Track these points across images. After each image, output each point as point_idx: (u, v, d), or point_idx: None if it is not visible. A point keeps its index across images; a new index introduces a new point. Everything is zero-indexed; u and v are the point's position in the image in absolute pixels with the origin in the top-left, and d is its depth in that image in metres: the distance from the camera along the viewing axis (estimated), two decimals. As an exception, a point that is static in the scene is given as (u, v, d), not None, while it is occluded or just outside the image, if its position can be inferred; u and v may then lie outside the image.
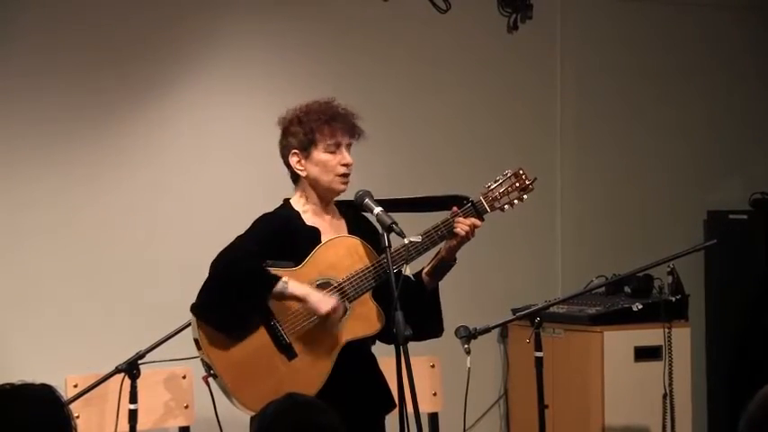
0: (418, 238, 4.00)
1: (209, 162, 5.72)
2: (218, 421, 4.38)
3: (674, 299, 5.89)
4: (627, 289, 6.08)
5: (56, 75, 5.45)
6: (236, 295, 3.90)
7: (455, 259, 4.11)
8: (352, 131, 4.08)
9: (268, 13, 5.84)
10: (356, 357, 4.02)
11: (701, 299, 6.65)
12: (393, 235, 3.86)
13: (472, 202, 4.08)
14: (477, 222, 4.05)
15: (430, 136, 6.20)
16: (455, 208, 4.07)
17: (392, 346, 3.82)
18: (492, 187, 4.12)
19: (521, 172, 4.15)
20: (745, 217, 6.57)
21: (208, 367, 3.96)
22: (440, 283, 4.18)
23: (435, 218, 4.08)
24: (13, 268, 5.39)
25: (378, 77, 6.06)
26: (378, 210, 3.94)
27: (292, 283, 3.90)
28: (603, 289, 6.00)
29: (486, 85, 6.33)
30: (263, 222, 4.06)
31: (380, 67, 6.08)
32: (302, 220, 4.06)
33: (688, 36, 6.78)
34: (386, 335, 4.01)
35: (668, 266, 5.76)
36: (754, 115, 6.93)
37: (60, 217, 5.46)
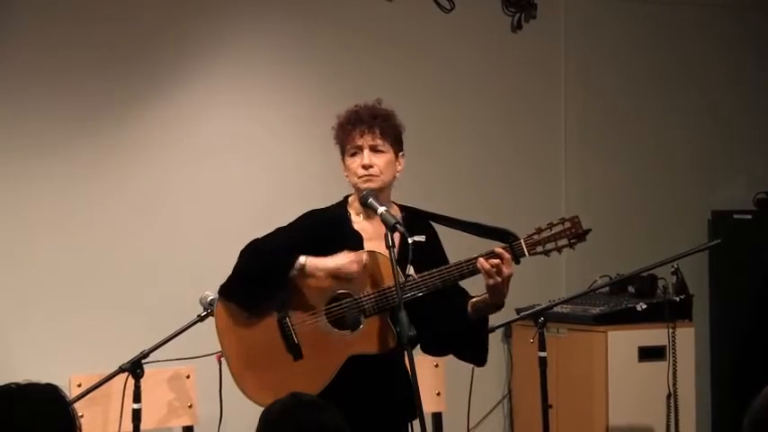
0: (422, 239, 4.00)
1: (213, 162, 5.71)
2: (221, 407, 4.38)
3: (678, 299, 5.88)
4: (631, 289, 6.08)
5: (58, 74, 5.45)
6: (258, 273, 3.94)
7: (502, 304, 4.03)
8: (373, 132, 4.07)
9: (272, 14, 5.84)
10: (374, 365, 3.99)
11: (705, 299, 6.64)
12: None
13: (511, 243, 3.97)
14: (495, 261, 3.91)
15: (432, 136, 6.18)
16: (499, 249, 3.98)
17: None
18: (540, 230, 4.02)
19: (576, 220, 4.06)
20: (749, 217, 6.56)
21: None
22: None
23: (482, 243, 4.05)
24: (17, 268, 5.39)
25: (381, 77, 6.05)
26: (381, 209, 3.94)
27: (310, 261, 3.92)
28: (607, 289, 6.00)
29: (489, 84, 6.32)
30: (305, 217, 4.09)
31: (384, 66, 6.07)
32: (350, 222, 4.06)
33: (692, 36, 6.77)
34: (446, 348, 4.10)
35: (672, 266, 5.76)
36: (759, 115, 6.93)
37: (64, 216, 5.46)
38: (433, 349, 4.11)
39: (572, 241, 4.04)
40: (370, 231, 4.04)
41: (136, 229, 5.56)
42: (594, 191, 6.55)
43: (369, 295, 3.96)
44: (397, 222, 3.88)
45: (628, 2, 6.62)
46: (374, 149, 4.06)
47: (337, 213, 4.08)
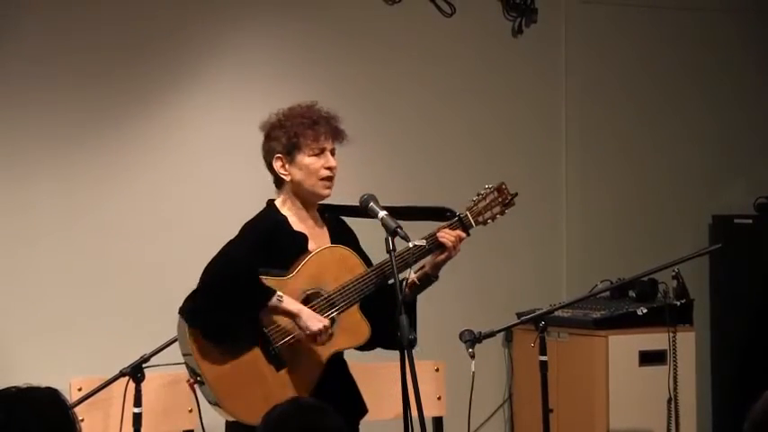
0: (423, 242, 4.00)
1: (214, 166, 5.72)
2: (203, 428, 4.38)
3: (678, 303, 5.88)
4: (631, 293, 6.08)
5: (59, 79, 5.45)
6: (230, 307, 3.89)
7: (437, 276, 4.11)
8: (336, 135, 4.07)
9: (273, 17, 5.84)
10: (331, 364, 4.01)
11: (705, 303, 6.64)
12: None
13: (459, 216, 4.08)
14: (463, 234, 4.04)
15: (434, 139, 6.20)
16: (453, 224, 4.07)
17: (396, 351, 3.82)
18: (476, 201, 4.13)
19: (503, 187, 4.18)
20: (750, 221, 6.56)
21: (194, 373, 3.95)
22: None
23: (420, 227, 4.07)
24: (18, 271, 5.39)
25: (382, 81, 6.06)
26: (382, 213, 3.95)
27: (287, 299, 3.90)
28: (608, 293, 6.00)
29: (490, 88, 6.33)
30: (252, 229, 4.04)
31: (385, 70, 6.08)
32: (289, 224, 4.05)
33: (692, 41, 6.77)
34: (384, 340, 4.01)
35: (673, 271, 5.75)
36: (760, 119, 6.93)
37: (65, 220, 5.46)
38: (378, 343, 4.06)
39: (503, 208, 4.16)
40: (309, 231, 4.06)
41: (137, 233, 5.56)
42: (595, 195, 6.55)
43: (338, 290, 3.96)
44: (398, 227, 3.88)
45: (628, 7, 6.62)
46: (332, 153, 4.06)
47: (274, 218, 4.06)
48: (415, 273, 4.11)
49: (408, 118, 6.15)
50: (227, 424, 4.06)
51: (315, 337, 3.92)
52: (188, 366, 3.98)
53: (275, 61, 5.86)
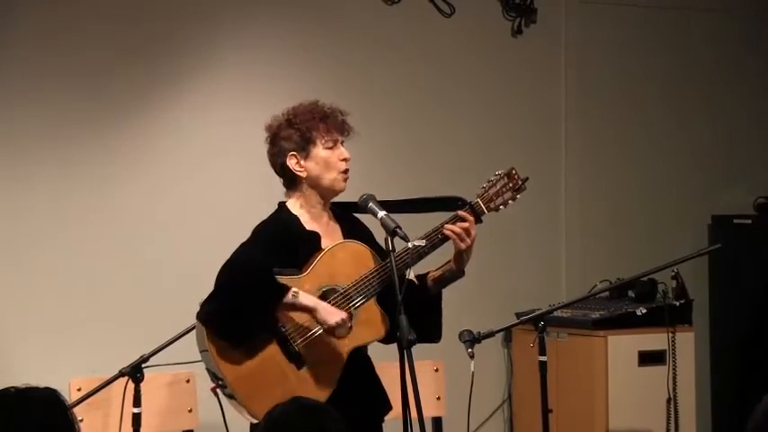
0: (422, 243, 4.00)
1: (214, 166, 5.72)
2: (227, 428, 4.38)
3: (678, 303, 5.88)
4: (631, 293, 6.08)
5: (59, 79, 5.45)
6: (247, 306, 3.87)
7: (463, 272, 4.10)
8: (344, 128, 4.08)
9: (273, 17, 5.85)
10: (355, 361, 4.02)
11: (705, 303, 6.64)
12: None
13: (471, 204, 4.07)
14: (465, 225, 4.01)
15: (433, 140, 6.20)
16: (462, 212, 4.06)
17: (396, 351, 3.82)
18: (487, 188, 4.12)
19: (513, 172, 4.15)
20: (749, 221, 6.56)
21: (215, 377, 3.95)
22: (443, 289, 4.18)
23: (430, 219, 4.07)
24: (17, 271, 5.39)
25: (382, 81, 6.06)
26: (382, 213, 3.94)
27: (302, 294, 3.89)
28: (607, 293, 6.00)
29: (489, 89, 6.33)
30: (265, 231, 4.04)
31: (384, 70, 6.08)
32: (301, 224, 4.05)
33: (692, 41, 6.78)
34: (390, 336, 4.01)
35: (672, 271, 5.76)
36: (759, 120, 6.93)
37: (64, 220, 5.46)
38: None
39: (514, 194, 4.14)
40: (322, 230, 4.05)
41: (137, 233, 5.56)
42: (594, 195, 6.55)
43: (354, 285, 3.96)
44: (397, 227, 3.88)
45: (628, 7, 6.63)
46: (342, 145, 4.07)
47: (287, 218, 4.05)
48: (438, 268, 4.11)
49: (407, 118, 6.15)
50: (252, 427, 4.05)
51: (334, 330, 3.91)
52: (209, 371, 3.97)
53: (275, 61, 5.86)
